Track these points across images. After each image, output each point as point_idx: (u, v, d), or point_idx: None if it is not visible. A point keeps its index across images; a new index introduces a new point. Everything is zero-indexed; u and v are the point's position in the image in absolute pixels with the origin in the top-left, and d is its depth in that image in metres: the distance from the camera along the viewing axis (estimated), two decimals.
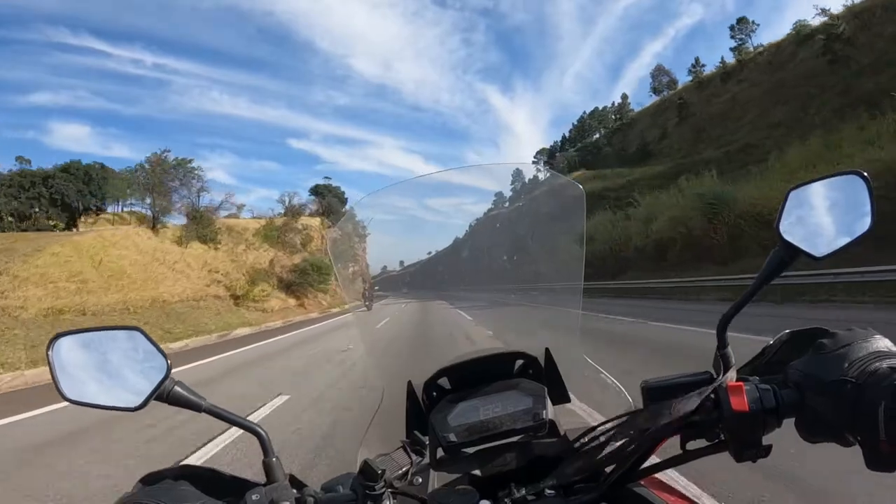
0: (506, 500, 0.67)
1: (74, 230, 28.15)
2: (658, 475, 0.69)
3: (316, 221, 40.87)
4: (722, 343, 0.61)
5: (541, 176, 1.11)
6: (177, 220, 26.30)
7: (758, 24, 52.84)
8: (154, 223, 24.79)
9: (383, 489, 0.63)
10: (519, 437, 0.74)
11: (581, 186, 0.95)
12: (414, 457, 0.69)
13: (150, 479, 0.62)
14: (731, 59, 52.45)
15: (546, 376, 0.80)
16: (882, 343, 0.54)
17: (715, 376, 0.61)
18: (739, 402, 0.55)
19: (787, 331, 0.63)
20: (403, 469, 0.68)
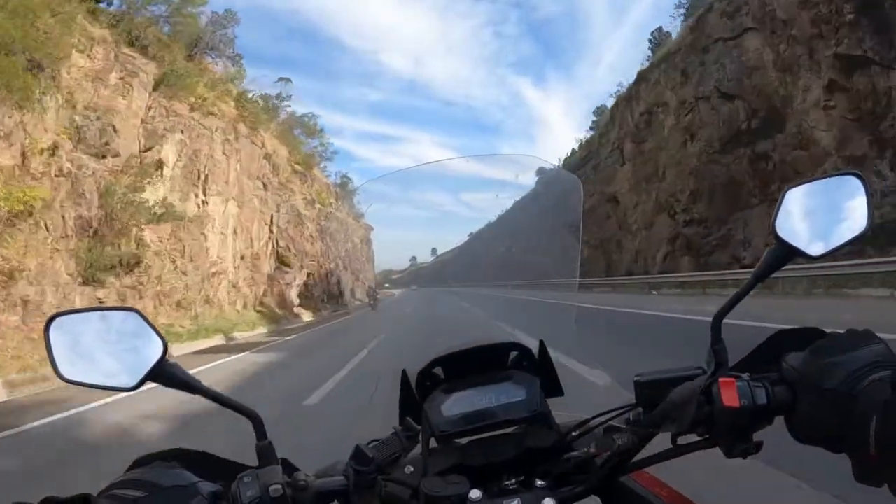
0: (497, 489, 0.67)
1: None
2: (648, 469, 0.69)
3: None
4: (716, 338, 0.61)
5: (539, 168, 1.11)
6: None
7: None
8: None
9: (374, 475, 0.64)
10: (512, 428, 0.75)
11: (577, 178, 0.95)
12: (406, 443, 0.70)
13: (141, 461, 0.63)
14: None
15: (540, 368, 0.81)
16: (880, 349, 0.54)
17: (707, 372, 0.61)
18: (731, 398, 0.56)
19: (780, 330, 0.64)
20: (395, 456, 0.69)
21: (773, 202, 0.63)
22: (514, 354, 0.82)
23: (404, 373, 0.82)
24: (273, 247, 24.72)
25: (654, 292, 20.92)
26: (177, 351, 11.15)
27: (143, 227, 14.78)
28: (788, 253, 0.60)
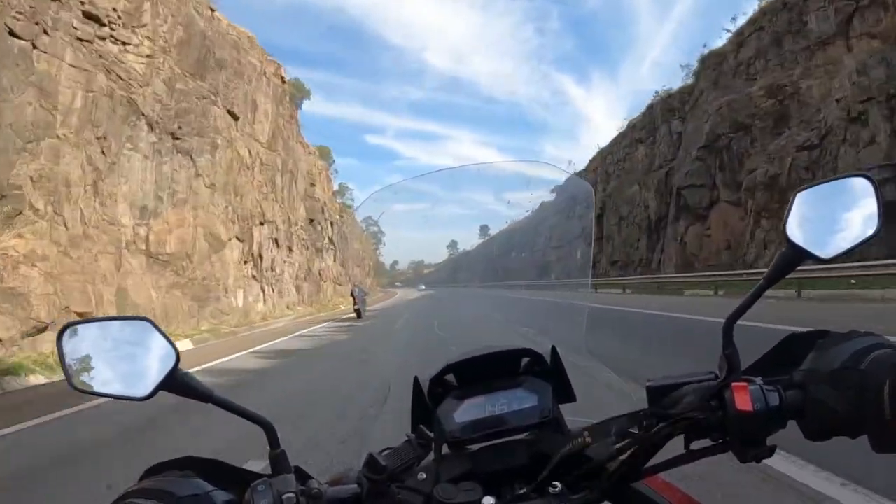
0: (509, 496, 0.67)
1: None
2: (661, 474, 0.69)
3: None
4: (727, 343, 0.61)
5: (553, 175, 1.11)
6: None
7: None
8: None
9: (387, 483, 0.64)
10: (524, 434, 0.75)
11: (590, 185, 0.95)
12: (419, 451, 0.70)
13: (155, 470, 0.63)
14: None
15: (552, 374, 0.80)
16: (880, 339, 0.56)
17: (719, 377, 0.61)
18: (743, 402, 0.56)
19: (790, 333, 0.64)
20: (408, 463, 0.69)
21: None
22: (525, 360, 0.82)
23: (416, 379, 0.82)
24: None
25: None
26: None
27: None
28: (799, 256, 0.60)
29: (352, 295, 18.57)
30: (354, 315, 16.26)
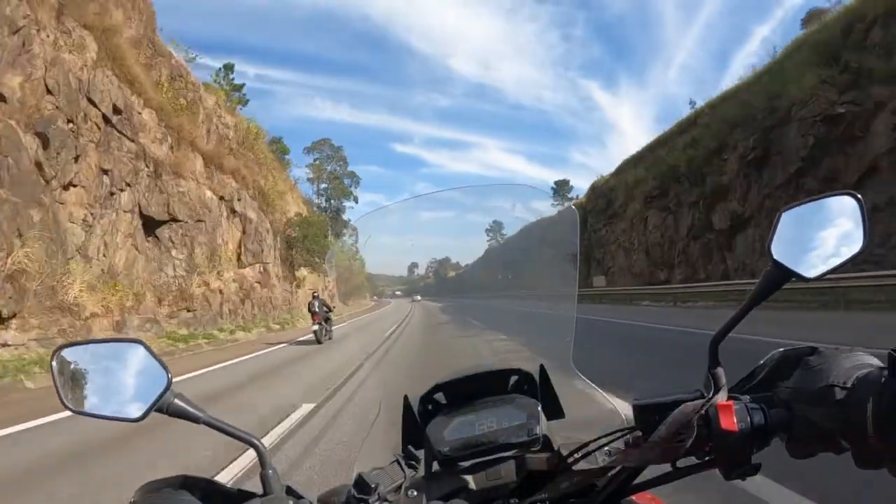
0: None
1: None
2: (649, 491, 0.69)
3: None
4: (713, 362, 0.61)
5: (537, 197, 1.12)
6: None
7: None
8: None
9: (377, 502, 0.64)
10: (513, 451, 0.75)
11: (575, 208, 0.97)
12: (408, 471, 0.70)
13: (149, 488, 0.63)
14: None
15: (540, 392, 0.81)
16: (867, 358, 0.55)
17: (705, 395, 0.61)
18: (729, 422, 0.56)
19: (777, 350, 0.64)
20: (397, 483, 0.69)
21: None
22: (514, 378, 0.82)
23: (406, 398, 0.82)
24: None
25: None
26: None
27: None
28: (784, 275, 0.61)
29: (309, 311, 13.80)
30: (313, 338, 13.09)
